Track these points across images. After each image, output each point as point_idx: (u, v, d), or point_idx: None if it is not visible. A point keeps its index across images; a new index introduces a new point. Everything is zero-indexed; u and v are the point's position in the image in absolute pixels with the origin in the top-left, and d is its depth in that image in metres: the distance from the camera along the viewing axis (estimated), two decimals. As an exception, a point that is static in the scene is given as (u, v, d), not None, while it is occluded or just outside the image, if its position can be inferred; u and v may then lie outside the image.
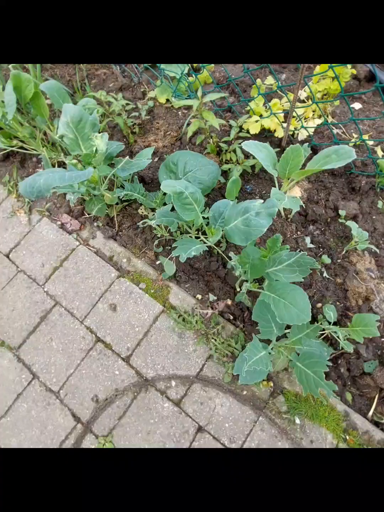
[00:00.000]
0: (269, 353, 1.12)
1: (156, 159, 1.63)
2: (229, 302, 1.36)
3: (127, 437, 1.16)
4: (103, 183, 1.22)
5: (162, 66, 1.42)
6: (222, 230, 1.05)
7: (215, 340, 1.27)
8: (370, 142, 1.46)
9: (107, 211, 1.50)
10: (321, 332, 1.22)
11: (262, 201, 0.96)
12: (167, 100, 1.73)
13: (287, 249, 1.04)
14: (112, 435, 1.17)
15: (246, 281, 1.10)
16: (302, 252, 0.95)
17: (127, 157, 1.15)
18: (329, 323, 1.16)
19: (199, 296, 1.38)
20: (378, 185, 1.39)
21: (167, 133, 1.67)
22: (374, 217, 1.38)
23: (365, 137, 1.43)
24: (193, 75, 1.45)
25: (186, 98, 1.54)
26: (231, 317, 1.35)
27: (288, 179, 1.19)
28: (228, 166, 1.39)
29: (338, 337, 1.15)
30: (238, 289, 1.30)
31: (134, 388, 1.23)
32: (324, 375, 0.98)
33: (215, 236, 1.05)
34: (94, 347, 1.30)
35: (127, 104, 1.66)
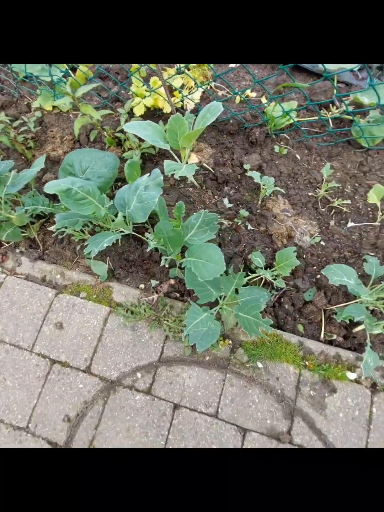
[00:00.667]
0: (211, 314, 1.18)
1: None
2: (172, 281, 1.40)
3: (109, 441, 1.17)
4: (0, 205, 1.18)
5: (29, 70, 1.37)
6: (124, 215, 1.06)
7: (167, 320, 1.30)
8: (253, 94, 1.55)
9: (25, 233, 1.45)
10: (258, 278, 1.30)
11: (148, 174, 0.98)
12: (54, 106, 1.68)
13: (213, 218, 1.09)
14: (93, 445, 1.17)
15: (166, 254, 1.13)
16: (204, 211, 1.00)
17: (13, 171, 1.11)
18: (260, 268, 1.25)
19: (142, 285, 1.40)
20: (271, 131, 1.49)
21: (63, 139, 1.63)
22: (277, 162, 1.48)
23: (248, 92, 1.52)
24: (70, 75, 1.42)
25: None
26: (178, 295, 1.38)
27: (185, 149, 1.24)
28: (130, 153, 1.40)
29: (270, 278, 1.24)
30: (167, 266, 1.33)
31: (102, 393, 1.23)
32: (261, 315, 1.06)
33: (119, 222, 1.06)
34: (51, 370, 1.28)
35: (12, 120, 1.60)
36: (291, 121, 1.39)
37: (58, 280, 1.42)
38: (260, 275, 1.25)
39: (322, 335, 1.30)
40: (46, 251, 1.50)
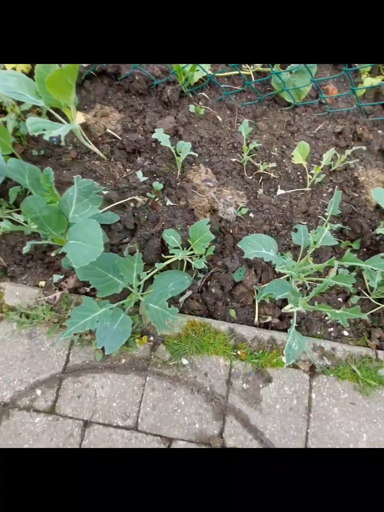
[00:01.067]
0: (121, 308, 0.97)
1: None
2: (80, 274, 1.16)
3: (1, 480, 0.94)
4: None
5: None
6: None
7: (74, 321, 1.07)
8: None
9: None
10: (176, 261, 1.11)
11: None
12: None
13: (91, 185, 0.86)
14: (-21, 489, 0.93)
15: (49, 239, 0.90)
16: (76, 176, 0.77)
17: None
18: (177, 248, 1.05)
19: (43, 283, 1.15)
20: (185, 89, 1.28)
21: None
22: (196, 125, 1.29)
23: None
24: None
25: None
26: (89, 289, 1.16)
27: (68, 107, 0.99)
28: (3, 118, 1.12)
29: (188, 259, 1.06)
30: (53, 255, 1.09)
31: (-9, 421, 0.99)
32: (182, 303, 0.87)
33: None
34: None
35: None
36: (205, 74, 1.19)
37: None
38: (175, 257, 1.06)
39: (256, 319, 1.15)
40: None
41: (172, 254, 1.07)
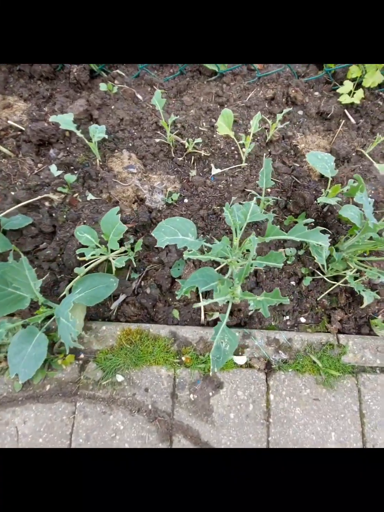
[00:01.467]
0: (24, 329, 0.82)
1: None
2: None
3: None
4: None
5: None
6: None
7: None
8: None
9: None
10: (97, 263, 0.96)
11: None
12: None
13: None
14: None
15: None
16: None
17: None
18: (93, 247, 0.90)
19: None
20: (96, 67, 1.13)
21: None
22: (113, 107, 1.14)
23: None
24: None
25: None
26: None
27: None
28: None
29: (112, 258, 0.91)
30: None
31: None
32: (118, 307, 0.72)
33: None
34: None
35: None
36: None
37: None
38: (94, 258, 0.91)
39: (202, 317, 1.02)
40: None
41: (93, 255, 0.92)
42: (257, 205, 0.78)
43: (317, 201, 0.94)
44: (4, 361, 0.91)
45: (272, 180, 0.91)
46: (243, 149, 1.04)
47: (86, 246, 0.90)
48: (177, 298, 0.74)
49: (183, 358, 0.95)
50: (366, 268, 0.91)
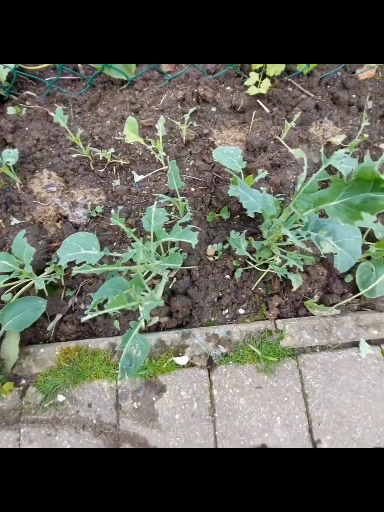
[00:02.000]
0: None
1: None
2: None
3: None
4: None
5: None
6: None
7: None
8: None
9: None
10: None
11: None
12: None
13: None
14: None
15: None
16: None
17: None
18: (8, 273, 0.90)
19: None
20: (3, 91, 1.12)
21: None
22: (27, 128, 1.13)
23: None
24: None
25: None
26: None
27: None
28: None
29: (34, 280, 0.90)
30: None
31: None
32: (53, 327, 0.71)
33: None
34: None
35: None
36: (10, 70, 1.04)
37: None
38: (19, 283, 0.90)
39: (142, 324, 1.02)
40: None
41: (17, 279, 0.92)
42: (160, 209, 0.78)
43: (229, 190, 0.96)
44: None
45: (193, 178, 0.92)
46: (163, 153, 1.05)
47: (9, 273, 0.89)
48: (85, 313, 0.73)
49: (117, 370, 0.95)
50: (285, 253, 0.93)
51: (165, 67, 1.20)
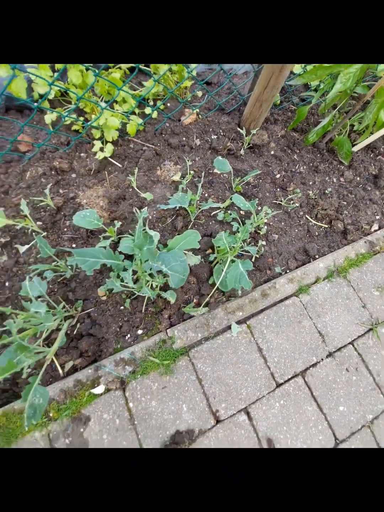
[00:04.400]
0: None
1: None
2: None
3: None
4: None
5: None
6: None
7: None
8: None
9: None
10: None
11: None
12: None
13: None
14: None
15: None
16: None
17: None
18: None
19: None
20: None
21: None
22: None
23: None
24: None
25: None
26: None
27: None
28: None
29: None
30: None
31: None
32: None
33: None
34: None
35: None
36: None
37: None
38: None
39: (60, 371, 1.15)
40: None
41: None
42: (36, 279, 0.94)
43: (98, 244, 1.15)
44: None
45: (73, 236, 1.08)
46: (31, 226, 1.19)
47: None
48: None
49: (51, 414, 1.08)
50: (154, 277, 1.16)
51: (22, 148, 1.34)
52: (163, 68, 1.40)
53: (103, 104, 1.29)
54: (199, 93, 1.68)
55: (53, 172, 1.30)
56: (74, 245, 1.26)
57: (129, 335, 1.22)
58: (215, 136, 1.57)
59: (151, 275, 1.18)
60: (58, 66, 1.30)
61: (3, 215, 1.09)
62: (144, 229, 0.98)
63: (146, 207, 1.30)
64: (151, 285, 1.17)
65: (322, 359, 1.26)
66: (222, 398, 1.15)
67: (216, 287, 1.24)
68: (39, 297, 1.14)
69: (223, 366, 1.19)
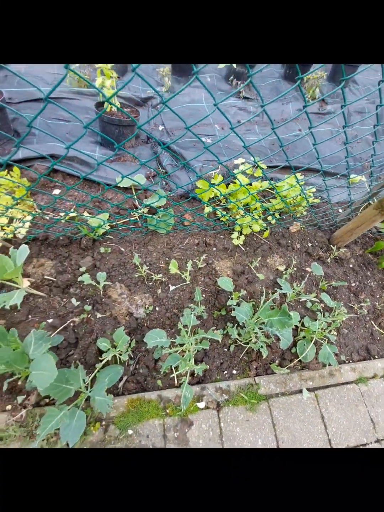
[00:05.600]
0: (76, 407, 1.33)
1: None
2: (38, 390, 1.47)
3: None
4: None
5: None
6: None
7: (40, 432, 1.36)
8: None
9: None
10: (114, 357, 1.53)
11: None
12: None
13: (43, 334, 1.28)
14: None
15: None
16: (33, 330, 1.19)
17: None
18: (107, 351, 1.49)
19: (9, 406, 1.43)
20: (96, 237, 1.85)
21: None
22: (107, 258, 1.84)
23: (71, 214, 1.88)
24: None
25: None
26: (48, 400, 1.47)
27: (17, 278, 1.44)
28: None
29: (118, 355, 1.49)
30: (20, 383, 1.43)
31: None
32: (122, 386, 1.27)
33: None
34: None
35: None
36: (106, 229, 1.79)
37: None
38: (109, 356, 1.49)
39: (176, 382, 1.60)
40: None
41: (105, 353, 1.50)
42: (190, 313, 1.47)
43: (228, 302, 1.68)
44: (55, 436, 1.36)
45: (204, 289, 1.62)
46: (187, 275, 1.78)
47: (104, 351, 1.48)
48: (160, 372, 1.32)
49: (167, 411, 1.49)
50: (259, 337, 1.62)
51: (186, 223, 2.03)
52: (291, 194, 2.06)
53: (242, 212, 1.96)
54: (304, 212, 2.32)
55: (202, 244, 1.93)
56: (203, 295, 1.80)
57: (226, 372, 1.65)
58: (310, 244, 2.13)
59: (256, 333, 1.65)
60: (223, 190, 2.02)
61: (176, 265, 1.69)
62: (272, 306, 1.48)
63: (276, 292, 1.84)
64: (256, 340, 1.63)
65: (371, 443, 1.53)
66: (288, 445, 1.47)
67: (299, 358, 1.66)
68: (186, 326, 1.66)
69: (292, 420, 1.53)
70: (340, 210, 2.40)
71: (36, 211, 1.84)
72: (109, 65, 2.11)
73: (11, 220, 1.78)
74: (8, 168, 1.97)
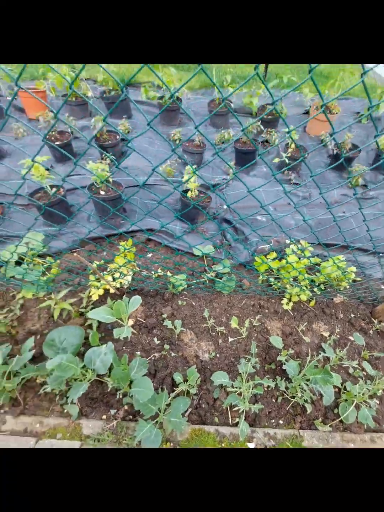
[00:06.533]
0: (155, 424, 1.73)
1: (38, 336, 2.20)
2: (125, 407, 1.92)
3: None
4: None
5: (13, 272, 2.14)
6: (92, 369, 1.70)
7: (125, 439, 1.77)
8: (161, 273, 2.55)
9: (10, 394, 1.89)
10: (185, 390, 1.94)
11: (105, 345, 1.70)
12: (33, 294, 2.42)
13: (144, 361, 1.79)
14: None
15: (120, 389, 1.74)
16: (139, 357, 1.71)
17: (16, 357, 1.70)
18: (180, 383, 1.91)
19: (104, 416, 1.88)
20: (175, 291, 2.43)
21: (40, 316, 2.31)
22: (182, 309, 2.37)
23: (159, 273, 2.52)
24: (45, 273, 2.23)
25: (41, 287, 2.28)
26: (131, 417, 1.90)
27: (125, 318, 2.03)
28: (90, 321, 2.13)
29: (188, 389, 1.90)
30: (121, 396, 1.90)
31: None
32: (186, 416, 1.66)
33: (90, 375, 1.68)
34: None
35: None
36: (184, 284, 2.37)
37: (37, 428, 1.81)
38: (181, 389, 1.91)
39: (230, 420, 1.91)
40: (26, 406, 1.91)
41: (179, 385, 1.92)
42: (247, 363, 1.84)
43: (278, 358, 2.02)
44: (137, 445, 1.75)
45: (257, 344, 2.00)
46: (243, 329, 2.20)
47: (178, 383, 1.91)
48: (219, 408, 1.69)
49: (223, 444, 1.79)
50: (304, 391, 1.90)
51: (244, 286, 2.51)
52: (333, 271, 2.45)
53: (291, 281, 2.39)
54: (347, 286, 2.65)
55: (257, 305, 2.37)
56: (256, 349, 2.18)
57: (274, 420, 1.91)
58: (353, 315, 2.42)
59: (302, 387, 1.93)
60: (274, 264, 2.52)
61: (237, 322, 2.14)
62: (316, 365, 1.80)
63: (321, 354, 2.16)
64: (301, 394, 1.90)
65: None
66: (330, 501, 1.61)
67: (340, 418, 1.86)
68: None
69: (334, 477, 1.69)
70: (383, 286, 2.67)
71: (137, 269, 2.53)
72: (190, 166, 2.95)
73: (117, 274, 2.48)
74: (120, 236, 2.78)
